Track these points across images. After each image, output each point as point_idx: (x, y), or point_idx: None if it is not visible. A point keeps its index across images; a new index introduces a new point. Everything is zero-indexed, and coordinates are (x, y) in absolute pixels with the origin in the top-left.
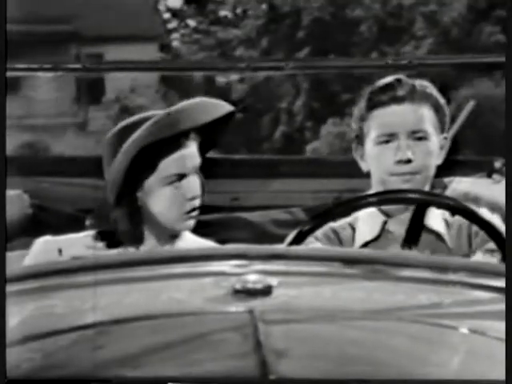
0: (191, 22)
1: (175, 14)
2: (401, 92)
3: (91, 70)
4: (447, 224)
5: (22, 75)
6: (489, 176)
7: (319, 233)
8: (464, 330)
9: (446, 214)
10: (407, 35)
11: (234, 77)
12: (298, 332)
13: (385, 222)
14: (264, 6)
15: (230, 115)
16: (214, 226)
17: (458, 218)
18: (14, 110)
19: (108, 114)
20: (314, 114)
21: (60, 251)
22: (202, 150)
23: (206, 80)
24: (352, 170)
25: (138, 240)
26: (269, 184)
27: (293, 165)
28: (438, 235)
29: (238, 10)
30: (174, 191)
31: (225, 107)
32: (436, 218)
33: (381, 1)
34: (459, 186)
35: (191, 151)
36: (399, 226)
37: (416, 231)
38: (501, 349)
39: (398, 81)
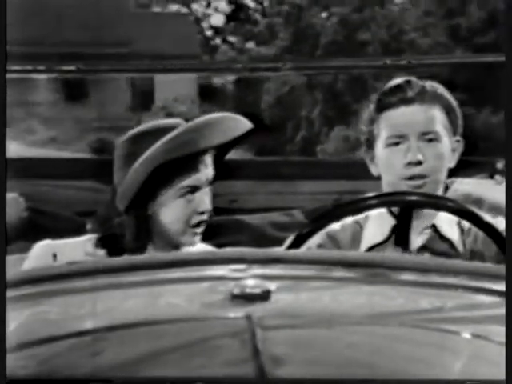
0: (231, 39)
1: (217, 31)
2: (410, 93)
3: (84, 71)
4: (462, 230)
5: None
6: (491, 177)
7: (313, 243)
8: (466, 335)
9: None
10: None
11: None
12: (297, 338)
13: (395, 226)
14: (290, 29)
15: (248, 133)
16: (212, 229)
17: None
18: (88, 115)
19: (156, 119)
20: (329, 120)
21: (55, 256)
22: (215, 160)
23: (235, 92)
24: (352, 171)
25: (141, 249)
26: (268, 186)
27: (292, 166)
28: (451, 243)
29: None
30: (185, 204)
31: (245, 125)
32: (450, 225)
33: (385, 26)
34: (461, 187)
35: (207, 165)
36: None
37: (404, 233)
38: (504, 354)
39: (408, 82)
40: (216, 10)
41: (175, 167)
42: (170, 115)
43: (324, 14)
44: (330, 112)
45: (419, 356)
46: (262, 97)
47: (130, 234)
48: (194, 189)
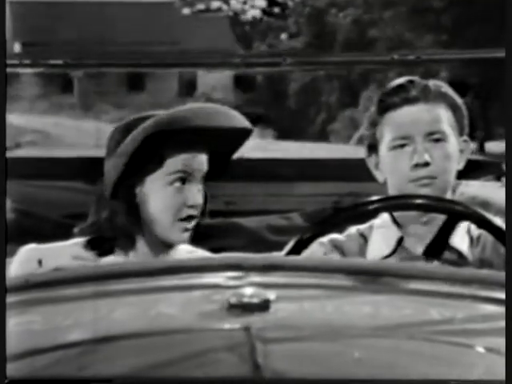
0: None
1: (253, 25)
2: (414, 92)
3: (72, 66)
4: (471, 239)
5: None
6: (497, 179)
7: (318, 253)
8: (480, 349)
9: (472, 228)
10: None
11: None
12: (299, 351)
13: (401, 238)
14: (312, 28)
15: (245, 133)
16: (207, 232)
17: (483, 232)
18: (145, 100)
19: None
20: (343, 104)
21: (40, 262)
22: (213, 165)
23: (266, 81)
24: (353, 172)
25: (132, 240)
26: (265, 187)
27: (290, 167)
28: (460, 253)
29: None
30: (174, 193)
31: (240, 121)
32: (459, 234)
33: (392, 25)
34: (466, 189)
35: (200, 155)
36: (415, 243)
37: (440, 246)
38: None
39: (411, 82)
40: (252, 6)
41: (165, 146)
42: (209, 100)
43: (341, 15)
44: (345, 97)
45: (431, 372)
46: (289, 85)
47: (119, 221)
48: (183, 177)
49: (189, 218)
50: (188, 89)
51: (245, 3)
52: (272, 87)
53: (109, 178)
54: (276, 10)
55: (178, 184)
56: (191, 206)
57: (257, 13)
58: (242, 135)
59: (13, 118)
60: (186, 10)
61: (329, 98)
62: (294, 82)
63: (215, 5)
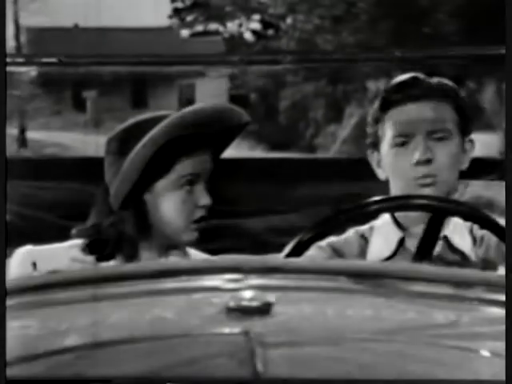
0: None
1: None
2: (417, 89)
3: (66, 64)
4: (474, 239)
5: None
6: (502, 178)
7: (318, 256)
8: (485, 353)
9: (474, 228)
10: None
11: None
12: (301, 356)
13: (402, 239)
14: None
15: (245, 126)
16: (205, 234)
17: (487, 232)
18: (150, 109)
19: None
20: (329, 120)
21: (34, 265)
22: (212, 156)
23: (258, 98)
24: (354, 172)
25: (136, 248)
26: (264, 187)
27: (290, 166)
28: (463, 254)
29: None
30: (185, 196)
31: (242, 116)
32: (462, 235)
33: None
34: (470, 189)
35: (206, 156)
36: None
37: (430, 243)
38: None
39: (415, 78)
40: (247, 28)
41: (173, 153)
42: None
43: (328, 37)
44: (330, 113)
45: (435, 377)
46: (280, 102)
47: (128, 230)
48: (192, 179)
49: (201, 218)
50: (187, 106)
51: (240, 26)
52: (264, 104)
53: (117, 190)
54: (270, 31)
55: (187, 187)
56: (202, 207)
57: (253, 34)
58: (243, 128)
59: (35, 134)
60: (185, 32)
61: (316, 114)
62: (284, 100)
63: (212, 27)
